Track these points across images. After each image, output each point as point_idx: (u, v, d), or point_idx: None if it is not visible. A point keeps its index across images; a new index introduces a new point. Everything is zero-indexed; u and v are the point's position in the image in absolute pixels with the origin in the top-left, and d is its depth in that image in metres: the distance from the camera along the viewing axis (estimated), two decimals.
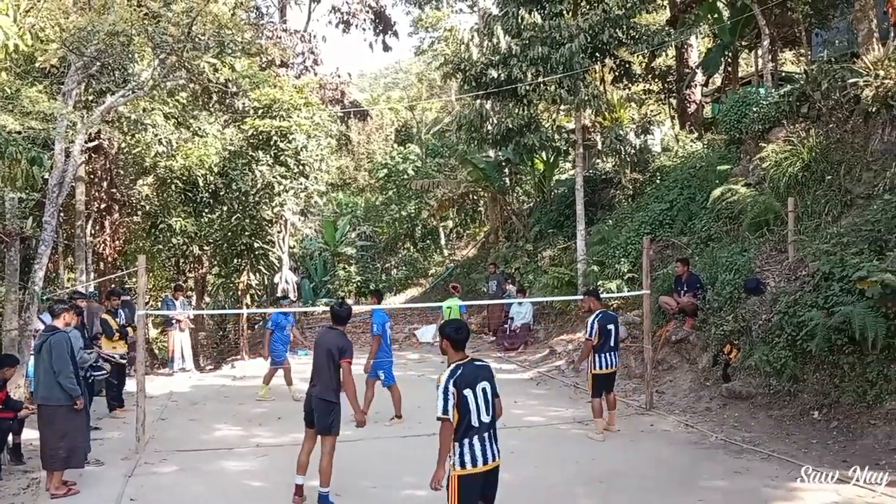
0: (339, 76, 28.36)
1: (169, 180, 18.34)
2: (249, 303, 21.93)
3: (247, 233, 18.95)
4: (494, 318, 19.31)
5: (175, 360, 16.34)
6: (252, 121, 18.03)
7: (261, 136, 18.07)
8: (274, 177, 17.79)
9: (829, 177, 12.05)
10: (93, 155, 18.13)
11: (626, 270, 15.40)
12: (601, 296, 10.93)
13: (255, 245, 19.66)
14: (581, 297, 15.77)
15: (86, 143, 14.59)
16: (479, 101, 18.67)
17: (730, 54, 20.10)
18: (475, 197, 28.00)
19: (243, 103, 18.47)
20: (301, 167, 18.38)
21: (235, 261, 20.28)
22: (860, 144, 11.96)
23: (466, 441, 5.19)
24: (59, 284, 19.07)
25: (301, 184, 18.51)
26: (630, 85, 21.43)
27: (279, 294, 18.53)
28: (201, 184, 18.02)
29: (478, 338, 19.37)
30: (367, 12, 30.39)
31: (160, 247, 20.17)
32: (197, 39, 13.19)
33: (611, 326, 9.70)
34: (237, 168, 17.87)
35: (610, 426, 9.85)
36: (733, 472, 7.92)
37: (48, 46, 12.40)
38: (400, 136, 38.95)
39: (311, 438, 7.27)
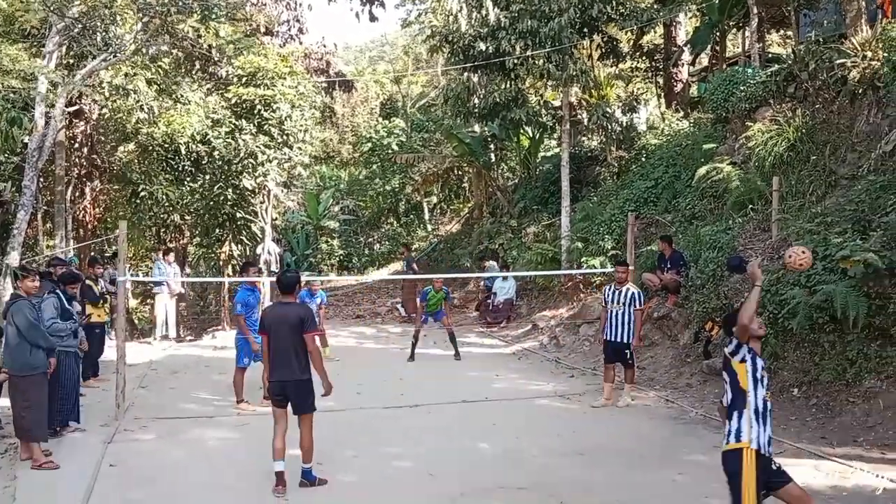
0: (324, 46, 28.05)
1: (150, 147, 18.08)
2: (231, 273, 21.78)
3: (229, 203, 18.75)
4: (408, 297, 19.43)
5: (158, 327, 16.26)
6: (236, 89, 17.77)
7: (244, 105, 17.81)
8: (257, 146, 17.57)
9: (815, 157, 12.08)
10: (73, 120, 17.85)
11: (609, 247, 15.42)
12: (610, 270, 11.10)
13: (238, 215, 19.46)
14: (564, 272, 15.95)
15: (66, 106, 14.35)
16: (466, 75, 18.52)
17: (718, 33, 20.05)
18: (460, 172, 27.89)
19: (227, 71, 18.21)
20: (285, 137, 18.16)
21: (217, 231, 20.07)
22: (846, 125, 11.98)
23: None
24: (38, 251, 18.84)
25: (285, 154, 18.31)
26: (617, 62, 21.35)
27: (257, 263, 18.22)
28: (183, 152, 17.78)
29: (459, 312, 19.40)
30: None
31: (141, 215, 19.94)
32: (181, 3, 12.96)
33: None
34: (220, 136, 17.65)
35: (606, 401, 9.97)
36: (713, 447, 7.93)
37: (29, 6, 12.13)
38: (385, 110, 38.61)
39: (283, 420, 6.88)
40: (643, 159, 18.24)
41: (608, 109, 18.76)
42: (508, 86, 17.80)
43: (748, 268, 5.30)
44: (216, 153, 17.71)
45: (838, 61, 12.03)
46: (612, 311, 10.02)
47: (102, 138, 19.54)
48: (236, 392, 10.03)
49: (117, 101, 16.11)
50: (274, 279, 10.47)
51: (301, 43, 26.12)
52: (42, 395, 7.81)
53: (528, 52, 16.58)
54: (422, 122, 33.37)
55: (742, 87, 14.29)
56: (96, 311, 11.66)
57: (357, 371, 12.24)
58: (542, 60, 16.61)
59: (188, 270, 22.94)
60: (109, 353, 11.93)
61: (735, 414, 5.13)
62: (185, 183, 18.83)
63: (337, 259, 29.64)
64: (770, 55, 19.40)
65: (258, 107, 17.70)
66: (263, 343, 7.05)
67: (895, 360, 8.24)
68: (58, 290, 8.95)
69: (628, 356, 9.96)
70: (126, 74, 15.07)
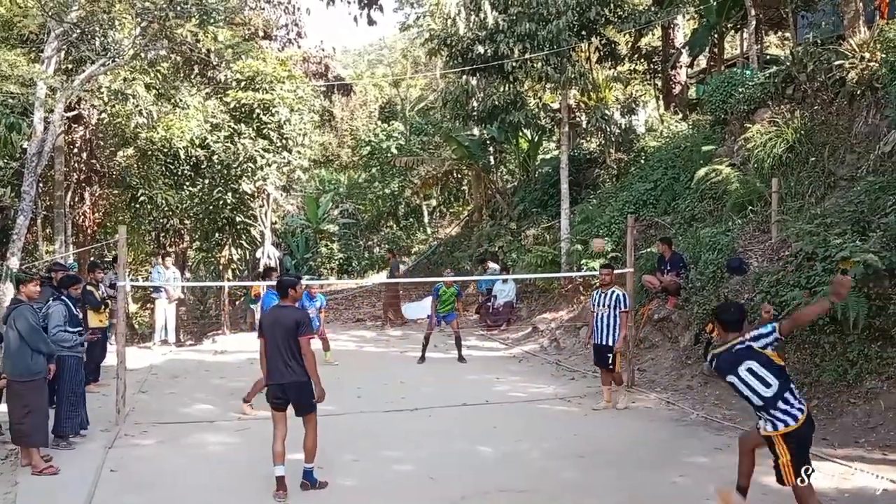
0: (322, 50, 28.06)
1: (150, 152, 18.10)
2: (231, 277, 21.79)
3: (228, 207, 18.76)
4: (390, 302, 19.51)
5: (157, 332, 16.25)
6: (234, 93, 17.80)
7: (243, 109, 17.84)
8: (256, 150, 17.58)
9: (814, 158, 12.10)
10: (72, 125, 17.83)
11: (609, 249, 15.42)
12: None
13: (237, 219, 19.48)
14: (564, 274, 15.95)
15: (65, 111, 14.35)
16: (464, 78, 18.54)
17: (716, 35, 20.07)
18: (459, 175, 27.88)
19: (226, 75, 18.22)
20: (284, 141, 18.18)
21: (217, 235, 20.09)
22: (844, 126, 12.00)
23: None
24: (37, 256, 18.83)
25: (284, 158, 18.32)
26: (616, 65, 21.37)
27: (262, 268, 18.29)
28: (182, 156, 17.80)
29: (460, 315, 19.35)
30: None
31: (140, 219, 19.94)
32: (179, 7, 12.97)
33: None
34: (219, 141, 17.66)
35: (607, 403, 9.96)
36: (714, 449, 7.99)
37: (28, 11, 12.14)
38: (384, 113, 38.64)
39: (282, 424, 6.90)
40: (642, 161, 18.25)
41: (607, 112, 18.78)
42: (507, 89, 17.82)
43: (834, 285, 5.41)
44: (215, 157, 17.73)
45: (836, 62, 12.06)
46: (598, 314, 10.04)
47: (102, 143, 19.53)
48: (251, 391, 9.94)
49: (116, 105, 16.12)
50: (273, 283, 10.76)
51: (299, 47, 26.15)
52: (42, 401, 7.80)
53: (527, 55, 16.60)
54: (421, 125, 33.40)
55: (740, 89, 14.32)
56: (97, 317, 11.65)
57: (357, 374, 12.24)
58: (540, 63, 16.64)
59: (188, 275, 22.95)
60: (110, 359, 11.91)
61: (788, 390, 5.42)
62: (185, 187, 18.84)
63: (337, 262, 29.63)
64: (768, 57, 19.43)
65: (257, 111, 17.73)
66: (261, 346, 7.06)
67: None
68: (63, 297, 8.93)
69: (610, 360, 9.87)
70: (125, 79, 15.08)
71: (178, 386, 12.02)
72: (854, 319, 8.37)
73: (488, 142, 24.07)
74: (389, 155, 31.23)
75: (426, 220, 33.77)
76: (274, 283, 10.61)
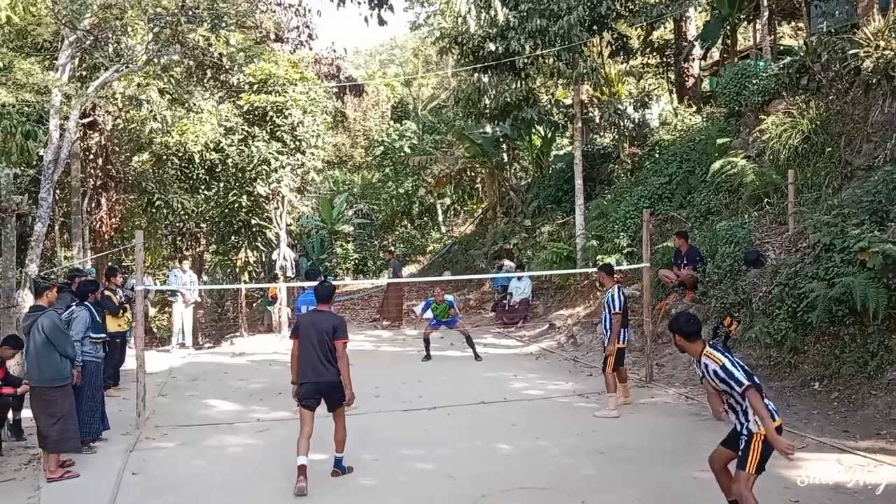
0: (334, 51, 28.10)
1: (165, 157, 18.22)
2: (247, 280, 21.89)
3: (244, 209, 18.86)
4: (391, 305, 19.48)
5: (175, 335, 16.36)
6: (247, 96, 17.89)
7: (256, 112, 17.94)
8: (270, 153, 17.66)
9: (830, 148, 11.99)
10: (88, 131, 17.99)
11: (625, 245, 15.37)
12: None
13: (253, 222, 19.58)
14: (580, 270, 15.91)
15: (80, 118, 14.47)
16: (476, 75, 18.51)
17: (728, 27, 19.93)
18: (472, 173, 27.89)
19: (238, 78, 18.31)
20: (297, 143, 18.25)
21: (233, 238, 20.20)
22: (860, 116, 11.89)
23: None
24: (55, 262, 19.01)
25: (298, 160, 18.39)
26: (628, 59, 21.29)
27: (293, 272, 18.48)
28: (197, 160, 17.90)
29: (476, 313, 19.40)
30: None
31: (157, 224, 20.09)
32: (191, 12, 13.03)
33: (624, 301, 9.79)
34: (233, 144, 17.75)
35: (625, 399, 9.88)
36: None
37: (41, 20, 12.24)
38: (396, 113, 38.69)
39: (310, 422, 7.15)
40: (656, 155, 18.17)
41: (620, 106, 18.73)
42: (519, 85, 17.77)
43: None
44: (230, 161, 17.82)
45: (851, 52, 11.93)
46: (601, 316, 10.12)
47: (117, 149, 19.69)
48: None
49: (130, 111, 16.24)
50: (291, 285, 10.92)
51: (311, 49, 26.17)
52: (73, 405, 7.86)
53: (538, 52, 16.56)
54: (433, 123, 33.41)
55: (754, 81, 14.22)
56: (116, 321, 11.72)
57: (374, 374, 12.25)
58: (552, 59, 16.60)
59: (205, 278, 23.08)
60: (129, 363, 12.00)
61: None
62: (200, 191, 18.96)
63: (352, 263, 29.70)
64: (782, 47, 19.26)
65: (270, 113, 17.81)
66: (294, 347, 7.39)
67: None
68: (88, 303, 8.97)
69: (603, 362, 9.76)
70: (139, 85, 15.17)
71: (197, 389, 12.10)
72: (874, 310, 8.31)
73: (501, 139, 24.04)
74: (402, 154, 31.28)
75: (440, 218, 33.80)
76: (314, 284, 11.11)
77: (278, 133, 17.94)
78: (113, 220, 20.07)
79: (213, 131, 17.72)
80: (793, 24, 22.78)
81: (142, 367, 9.51)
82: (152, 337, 19.60)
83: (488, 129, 24.02)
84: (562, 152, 24.97)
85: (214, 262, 25.40)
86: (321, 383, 7.16)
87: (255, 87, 18.13)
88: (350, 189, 34.69)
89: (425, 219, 33.80)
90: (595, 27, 17.37)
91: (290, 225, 22.95)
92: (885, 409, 8.09)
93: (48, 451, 7.66)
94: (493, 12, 17.04)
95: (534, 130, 22.26)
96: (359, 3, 31.26)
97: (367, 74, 43.09)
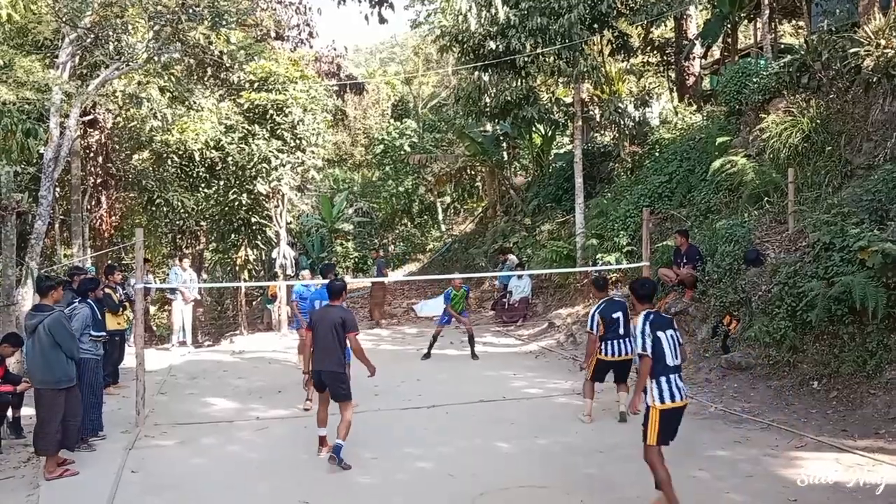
0: (334, 49, 28.10)
1: (165, 155, 18.23)
2: (247, 278, 21.91)
3: (244, 208, 18.86)
4: (377, 301, 19.60)
5: (175, 333, 16.36)
6: (248, 94, 17.88)
7: (257, 110, 17.94)
8: (270, 151, 17.65)
9: (830, 147, 11.98)
10: (88, 129, 17.99)
11: (625, 243, 15.36)
12: (606, 282, 10.29)
13: (253, 220, 19.59)
14: (580, 269, 15.91)
15: (81, 116, 14.47)
16: (476, 74, 18.49)
17: (729, 25, 19.92)
18: (472, 172, 27.87)
19: (239, 76, 18.30)
20: (298, 141, 18.25)
21: (233, 236, 20.21)
22: (861, 115, 11.88)
23: (664, 379, 6.00)
24: (55, 260, 19.01)
25: (298, 158, 18.39)
26: (628, 57, 21.28)
27: (294, 269, 18.50)
28: (197, 158, 17.91)
29: (475, 312, 19.39)
30: None
31: (157, 222, 20.09)
32: (191, 10, 13.02)
33: (617, 315, 9.17)
34: (233, 142, 17.74)
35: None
36: (733, 442, 7.95)
37: (42, 18, 12.24)
38: (396, 111, 38.67)
39: (325, 400, 7.86)
40: (657, 154, 18.16)
41: (620, 105, 18.71)
42: (519, 84, 17.76)
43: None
44: (230, 159, 17.82)
45: (852, 50, 11.92)
46: None
47: (117, 147, 19.70)
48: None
49: (131, 109, 16.24)
50: (289, 282, 10.99)
51: (311, 47, 26.17)
52: (80, 405, 7.90)
53: (539, 50, 16.56)
54: (433, 122, 33.40)
55: (755, 79, 14.21)
56: (115, 319, 11.71)
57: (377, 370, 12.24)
58: (552, 57, 16.58)
59: (205, 276, 23.08)
60: (129, 361, 12.00)
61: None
62: (200, 189, 18.97)
63: (352, 261, 29.71)
64: (782, 46, 19.25)
65: (270, 112, 17.80)
66: (308, 338, 8.13)
67: None
68: (89, 300, 8.96)
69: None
70: (139, 83, 15.17)
71: (196, 387, 12.10)
72: (873, 309, 8.31)
73: (501, 137, 24.04)
74: (403, 153, 31.27)
75: (440, 217, 33.79)
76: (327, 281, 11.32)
77: (278, 131, 17.94)
78: (113, 217, 20.10)
79: (214, 129, 17.72)
80: (793, 22, 22.76)
81: (141, 366, 9.52)
82: (152, 335, 19.62)
83: (489, 127, 24.03)
84: (562, 151, 24.97)
85: (214, 261, 25.41)
86: (323, 372, 7.73)
87: (256, 85, 18.12)
88: (350, 187, 34.68)
89: (425, 217, 33.80)
90: (595, 25, 17.37)
91: (290, 223, 22.98)
92: (883, 409, 8.09)
93: (46, 455, 7.58)
94: (493, 10, 17.02)
95: (534, 129, 22.26)
96: (359, 1, 31.10)
97: (367, 73, 43.08)
